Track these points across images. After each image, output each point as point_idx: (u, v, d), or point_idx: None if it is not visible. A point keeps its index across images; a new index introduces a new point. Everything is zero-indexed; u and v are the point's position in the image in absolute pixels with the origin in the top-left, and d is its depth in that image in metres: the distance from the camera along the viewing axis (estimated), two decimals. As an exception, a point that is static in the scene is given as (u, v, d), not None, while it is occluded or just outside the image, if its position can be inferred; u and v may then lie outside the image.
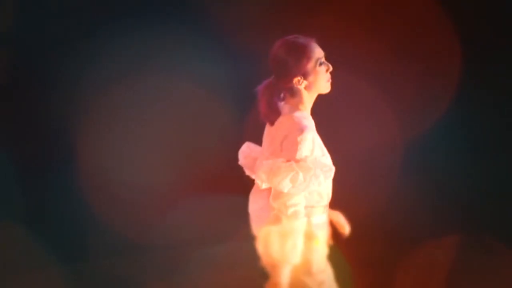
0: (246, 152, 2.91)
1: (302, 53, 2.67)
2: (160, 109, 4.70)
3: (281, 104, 2.74)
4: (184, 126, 4.68)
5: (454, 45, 4.55)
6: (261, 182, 2.67)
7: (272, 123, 2.74)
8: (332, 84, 2.76)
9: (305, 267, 2.68)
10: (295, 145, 2.60)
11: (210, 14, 4.54)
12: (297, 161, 2.60)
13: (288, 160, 2.61)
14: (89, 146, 4.70)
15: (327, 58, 2.75)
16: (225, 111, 4.54)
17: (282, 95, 2.74)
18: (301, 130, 2.62)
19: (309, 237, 2.66)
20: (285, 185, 2.59)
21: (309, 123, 2.70)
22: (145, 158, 4.75)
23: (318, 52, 2.71)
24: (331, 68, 2.74)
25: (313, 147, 2.64)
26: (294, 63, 2.67)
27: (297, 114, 2.69)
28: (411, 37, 4.60)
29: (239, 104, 4.31)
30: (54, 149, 4.77)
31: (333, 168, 2.68)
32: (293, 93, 2.72)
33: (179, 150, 4.68)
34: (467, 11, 4.52)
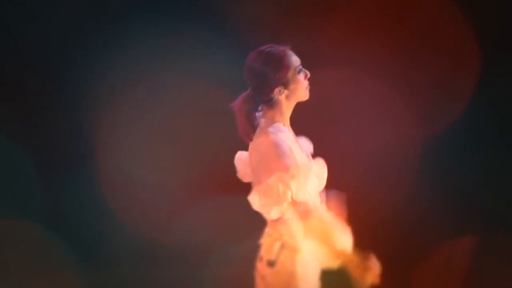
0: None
1: (281, 63, 2.64)
2: (177, 110, 4.70)
3: (258, 117, 2.70)
4: (198, 126, 4.68)
5: (472, 43, 4.50)
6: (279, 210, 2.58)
7: (251, 140, 2.69)
8: (311, 91, 2.72)
9: (289, 280, 2.63)
10: (275, 169, 2.53)
11: (224, 14, 4.54)
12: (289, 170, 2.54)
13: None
14: (106, 148, 4.72)
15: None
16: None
17: (260, 107, 2.70)
18: (275, 150, 2.55)
19: (292, 249, 2.64)
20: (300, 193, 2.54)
21: (285, 135, 2.64)
22: (162, 159, 4.76)
23: (295, 60, 2.68)
24: (309, 75, 2.71)
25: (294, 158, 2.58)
26: (274, 74, 2.63)
27: (271, 129, 2.63)
28: (428, 35, 4.56)
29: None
30: (69, 151, 4.79)
31: (309, 167, 2.61)
32: (272, 104, 2.67)
33: (195, 151, 4.69)
34: (485, 8, 4.48)
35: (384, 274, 4.11)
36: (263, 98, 2.67)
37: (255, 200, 2.57)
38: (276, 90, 2.65)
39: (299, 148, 2.68)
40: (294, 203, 2.54)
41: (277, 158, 2.55)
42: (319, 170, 2.66)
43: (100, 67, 4.62)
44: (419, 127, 4.57)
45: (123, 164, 4.71)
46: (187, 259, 4.46)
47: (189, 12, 4.64)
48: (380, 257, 4.24)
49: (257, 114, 2.71)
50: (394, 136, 4.54)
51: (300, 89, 2.69)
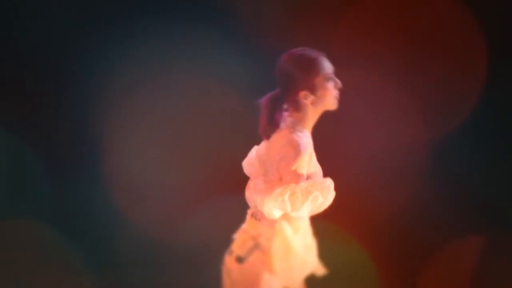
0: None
1: (311, 67, 2.62)
2: (184, 110, 4.70)
3: (284, 116, 2.67)
4: (205, 126, 4.68)
5: (480, 45, 4.49)
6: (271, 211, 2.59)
7: (268, 138, 2.67)
8: (340, 101, 2.69)
9: (254, 281, 2.63)
10: (292, 170, 2.53)
11: (233, 14, 4.53)
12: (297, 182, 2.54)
13: (287, 183, 2.54)
14: (113, 147, 4.72)
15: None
16: (249, 111, 4.52)
17: (285, 106, 2.67)
18: (297, 151, 2.55)
19: (264, 251, 2.63)
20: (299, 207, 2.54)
21: (307, 141, 2.63)
22: (169, 159, 4.75)
23: (327, 67, 2.65)
24: (340, 84, 2.67)
25: (308, 166, 2.60)
26: (302, 77, 2.61)
27: (299, 133, 2.62)
28: (436, 35, 4.55)
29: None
30: (76, 151, 4.79)
31: (332, 187, 2.61)
32: (298, 107, 2.65)
33: (202, 151, 4.68)
34: (494, 9, 4.47)
35: (391, 274, 4.11)
36: (289, 99, 2.65)
37: (269, 201, 2.53)
38: (302, 93, 2.62)
39: (315, 160, 2.66)
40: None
41: (294, 162, 2.53)
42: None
43: (106, 67, 4.62)
44: (427, 128, 4.56)
45: (129, 164, 4.71)
46: (194, 260, 4.45)
47: (194, 12, 4.64)
48: (387, 257, 4.25)
49: (282, 114, 2.68)
50: (401, 137, 4.53)
51: (328, 97, 2.65)
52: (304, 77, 2.62)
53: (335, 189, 2.66)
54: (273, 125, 2.66)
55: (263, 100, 2.69)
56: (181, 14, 4.66)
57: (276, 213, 2.57)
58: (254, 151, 2.80)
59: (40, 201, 4.64)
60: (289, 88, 2.64)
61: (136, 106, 4.70)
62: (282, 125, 2.66)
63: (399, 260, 4.33)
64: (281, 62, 2.67)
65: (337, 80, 2.67)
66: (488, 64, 4.49)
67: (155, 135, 4.77)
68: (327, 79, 2.65)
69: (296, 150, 2.56)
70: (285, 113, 2.68)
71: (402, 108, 4.54)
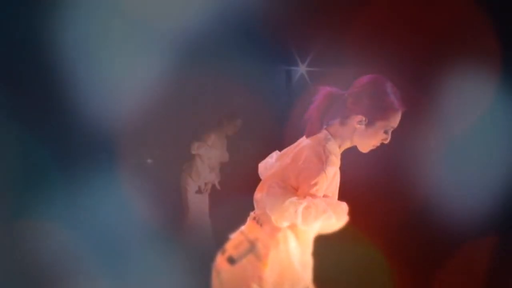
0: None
1: (387, 111, 2.52)
2: (196, 109, 4.71)
3: (327, 124, 2.57)
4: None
5: (493, 42, 4.47)
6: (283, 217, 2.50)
7: (306, 133, 2.57)
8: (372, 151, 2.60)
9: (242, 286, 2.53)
10: (311, 183, 2.45)
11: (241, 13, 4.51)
12: (313, 196, 2.46)
13: (303, 194, 2.46)
14: (125, 149, 4.73)
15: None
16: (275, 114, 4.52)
17: (334, 120, 2.56)
18: (322, 168, 2.46)
19: (258, 257, 2.57)
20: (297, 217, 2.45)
21: (335, 160, 2.53)
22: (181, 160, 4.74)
23: (395, 120, 2.54)
24: (387, 141, 2.57)
25: (328, 186, 2.51)
26: (373, 109, 2.51)
27: (328, 145, 2.53)
28: (451, 37, 4.53)
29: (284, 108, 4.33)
30: (89, 151, 4.80)
31: (346, 212, 2.53)
32: (345, 123, 2.55)
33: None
34: (507, 10, 4.45)
35: (406, 275, 4.09)
36: (344, 109, 2.55)
37: (285, 206, 2.47)
38: (360, 117, 2.52)
39: (338, 179, 2.60)
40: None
41: (317, 176, 2.46)
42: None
43: (118, 70, 4.63)
44: (439, 129, 4.54)
45: (141, 166, 4.72)
46: (204, 261, 4.44)
47: (201, 11, 4.64)
48: (402, 258, 4.23)
49: (330, 120, 2.58)
50: (412, 138, 4.51)
51: (370, 139, 2.56)
52: (375, 111, 2.53)
53: (346, 193, 2.61)
54: (317, 124, 2.56)
55: (324, 91, 2.57)
56: (189, 14, 4.65)
57: (285, 222, 2.50)
58: (275, 155, 2.73)
59: (52, 201, 4.65)
60: (354, 104, 2.54)
61: (147, 107, 4.71)
62: (320, 133, 2.60)
63: (412, 260, 4.31)
64: (370, 79, 2.56)
65: (388, 138, 2.58)
66: (501, 65, 4.47)
67: (165, 136, 4.78)
68: (386, 129, 2.57)
69: (321, 165, 2.48)
70: (330, 123, 2.60)
71: (417, 107, 4.53)
